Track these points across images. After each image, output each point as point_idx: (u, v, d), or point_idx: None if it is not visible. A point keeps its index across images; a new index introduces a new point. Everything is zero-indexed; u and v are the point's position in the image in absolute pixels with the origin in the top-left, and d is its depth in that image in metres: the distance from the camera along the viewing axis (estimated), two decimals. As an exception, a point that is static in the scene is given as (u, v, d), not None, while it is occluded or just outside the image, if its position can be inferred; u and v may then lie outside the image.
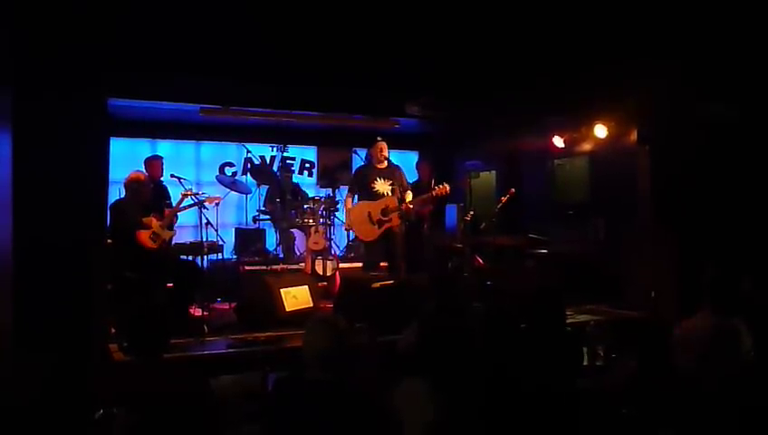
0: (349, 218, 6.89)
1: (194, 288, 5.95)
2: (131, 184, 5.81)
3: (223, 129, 8.57)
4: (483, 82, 5.81)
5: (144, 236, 5.67)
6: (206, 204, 6.22)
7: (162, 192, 6.89)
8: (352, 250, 8.43)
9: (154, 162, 7.02)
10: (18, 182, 4.13)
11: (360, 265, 7.60)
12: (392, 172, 6.85)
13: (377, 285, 5.69)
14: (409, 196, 6.86)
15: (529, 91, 5.98)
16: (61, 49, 4.31)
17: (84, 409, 2.82)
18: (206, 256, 6.53)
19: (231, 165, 9.05)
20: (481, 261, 7.28)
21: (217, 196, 6.62)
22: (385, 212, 6.62)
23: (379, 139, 6.88)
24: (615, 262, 6.76)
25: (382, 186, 6.74)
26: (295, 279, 6.35)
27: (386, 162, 6.87)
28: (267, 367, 4.52)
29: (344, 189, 8.55)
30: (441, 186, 6.79)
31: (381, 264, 6.83)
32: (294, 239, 8.06)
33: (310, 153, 9.51)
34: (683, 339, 3.60)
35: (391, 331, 4.76)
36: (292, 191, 8.11)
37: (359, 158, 8.70)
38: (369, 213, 6.69)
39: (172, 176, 6.78)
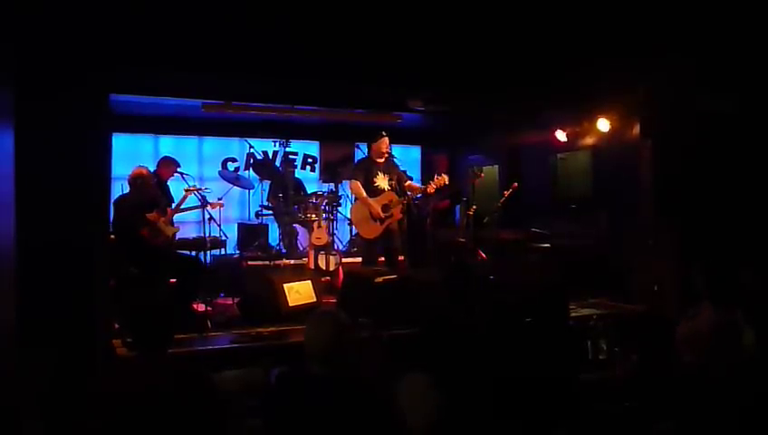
0: (352, 216, 6.89)
1: (197, 283, 5.95)
2: (135, 180, 5.81)
3: (225, 124, 8.56)
4: (485, 76, 5.80)
5: (147, 231, 5.68)
6: (210, 208, 6.25)
7: (166, 191, 6.88)
8: (355, 245, 8.42)
9: (170, 165, 6.69)
10: (21, 179, 4.14)
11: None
12: (389, 166, 6.85)
13: (380, 279, 5.68)
14: (408, 183, 6.90)
15: (531, 86, 5.96)
16: (62, 46, 4.31)
17: (88, 404, 2.83)
18: (208, 252, 6.54)
19: (234, 160, 9.03)
20: (484, 255, 7.28)
21: (220, 201, 6.66)
22: (386, 208, 6.62)
23: (383, 133, 6.86)
24: (617, 256, 6.76)
25: (382, 181, 6.73)
26: (298, 274, 6.36)
27: (385, 157, 6.87)
28: (270, 362, 4.53)
29: (346, 184, 8.59)
30: (438, 177, 6.77)
31: (380, 259, 6.82)
32: (297, 234, 8.06)
33: (312, 148, 9.50)
34: (684, 335, 3.60)
35: (394, 326, 4.76)
36: (294, 186, 8.11)
37: (361, 152, 8.68)
38: (371, 211, 6.69)
39: (175, 172, 6.78)
